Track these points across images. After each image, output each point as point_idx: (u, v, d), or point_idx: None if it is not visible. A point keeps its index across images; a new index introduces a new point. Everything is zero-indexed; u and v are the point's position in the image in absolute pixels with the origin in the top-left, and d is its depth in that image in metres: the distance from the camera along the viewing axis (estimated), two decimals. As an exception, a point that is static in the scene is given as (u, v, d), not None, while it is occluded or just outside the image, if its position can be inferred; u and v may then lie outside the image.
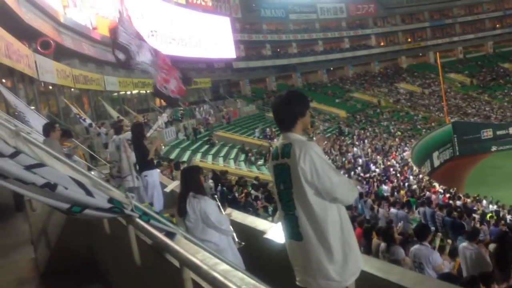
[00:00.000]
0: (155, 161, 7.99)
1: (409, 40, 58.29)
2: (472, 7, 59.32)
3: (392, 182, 21.32)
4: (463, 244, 7.04)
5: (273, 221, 7.17)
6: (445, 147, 38.93)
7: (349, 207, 9.04)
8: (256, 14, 50.36)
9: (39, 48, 17.03)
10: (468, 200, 19.48)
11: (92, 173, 4.91)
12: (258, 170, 22.28)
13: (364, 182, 19.45)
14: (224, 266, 2.72)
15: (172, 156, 18.98)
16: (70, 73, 19.20)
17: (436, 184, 24.17)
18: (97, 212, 2.80)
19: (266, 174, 19.93)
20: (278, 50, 52.05)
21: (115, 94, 26.71)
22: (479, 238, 7.81)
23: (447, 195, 19.48)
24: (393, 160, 29.10)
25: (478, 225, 12.95)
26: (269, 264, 3.91)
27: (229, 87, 45.44)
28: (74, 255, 5.47)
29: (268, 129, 31.45)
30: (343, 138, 34.28)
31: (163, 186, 7.25)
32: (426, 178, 26.25)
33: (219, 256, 3.20)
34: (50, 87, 18.24)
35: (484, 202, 20.51)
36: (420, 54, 58.04)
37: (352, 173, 22.73)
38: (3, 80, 13.20)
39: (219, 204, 4.47)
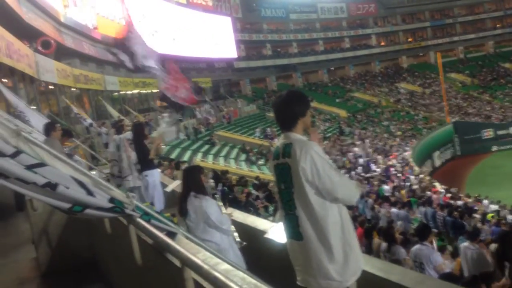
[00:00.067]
0: (155, 161, 7.99)
1: (410, 40, 58.23)
2: (473, 7, 59.26)
3: (393, 182, 21.27)
4: (464, 244, 7.04)
5: (274, 221, 7.17)
6: (446, 147, 38.87)
7: (350, 207, 9.03)
8: (257, 14, 50.36)
9: (39, 47, 17.05)
10: (469, 200, 19.45)
11: (93, 172, 4.91)
12: (259, 170, 22.28)
13: (365, 182, 19.43)
14: (225, 266, 2.72)
15: (173, 156, 18.98)
16: (70, 72, 19.22)
17: (437, 184, 24.11)
18: (98, 211, 2.80)
19: (266, 173, 19.93)
20: (279, 49, 52.01)
21: (116, 93, 26.73)
22: (480, 238, 7.80)
23: (448, 195, 19.45)
24: (393, 160, 29.06)
25: (479, 225, 12.94)
26: (270, 264, 3.91)
27: (230, 86, 45.42)
28: (75, 255, 5.47)
29: (268, 129, 31.44)
30: (343, 138, 34.26)
31: (164, 186, 7.25)
32: (427, 178, 26.19)
33: (220, 256, 3.20)
34: (51, 87, 18.24)
35: (485, 202, 20.46)
36: (421, 54, 57.99)
37: (353, 172, 22.72)
38: (4, 80, 13.21)
39: (220, 203, 4.47)
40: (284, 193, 2.72)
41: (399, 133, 38.91)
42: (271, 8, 51.29)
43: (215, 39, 39.52)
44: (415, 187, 20.38)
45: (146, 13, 29.98)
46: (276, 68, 50.03)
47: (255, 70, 47.99)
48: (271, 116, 33.93)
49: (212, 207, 4.09)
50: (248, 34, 49.03)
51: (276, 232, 3.82)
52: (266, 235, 4.01)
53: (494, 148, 39.23)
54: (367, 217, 12.54)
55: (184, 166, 10.05)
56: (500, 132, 39.95)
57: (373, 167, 26.08)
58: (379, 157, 29.06)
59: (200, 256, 2.47)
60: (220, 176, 13.82)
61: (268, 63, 49.35)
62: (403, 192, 18.30)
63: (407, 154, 31.31)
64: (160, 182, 7.32)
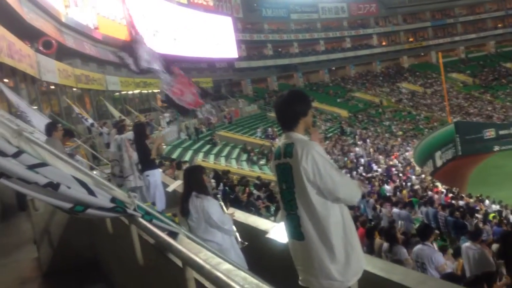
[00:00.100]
0: (157, 161, 8.00)
1: (411, 39, 58.20)
2: (474, 6, 59.22)
3: (394, 182, 21.27)
4: (466, 244, 7.04)
5: (275, 221, 7.17)
6: (448, 147, 38.86)
7: (351, 207, 9.05)
8: (258, 14, 50.35)
9: (41, 48, 17.07)
10: (471, 200, 19.45)
11: (95, 172, 4.91)
12: (260, 170, 22.28)
13: (367, 182, 19.42)
14: (226, 266, 2.71)
15: (174, 156, 18.99)
16: (72, 73, 19.24)
17: (439, 184, 24.12)
18: (100, 211, 2.80)
19: (268, 173, 19.93)
20: (280, 49, 52.02)
21: (117, 93, 26.75)
22: (482, 238, 7.79)
23: (450, 195, 19.45)
24: (395, 160, 29.05)
25: (481, 225, 12.93)
26: (272, 264, 3.91)
27: (231, 86, 45.44)
28: (77, 255, 5.47)
29: (270, 129, 31.44)
30: (345, 138, 34.25)
31: (165, 185, 7.25)
32: (429, 178, 26.20)
33: (221, 256, 3.19)
34: (52, 87, 18.27)
35: (487, 202, 20.47)
36: (422, 54, 57.96)
37: (354, 172, 22.71)
38: (5, 80, 13.22)
39: (222, 204, 4.47)
40: (285, 193, 2.71)
41: (400, 133, 38.89)
42: (272, 8, 51.29)
43: (216, 39, 39.52)
44: (416, 187, 20.38)
45: (146, 13, 29.99)
46: (277, 68, 50.04)
47: (256, 70, 48.00)
48: (272, 116, 33.92)
49: (214, 207, 4.09)
50: (249, 34, 49.03)
51: (277, 232, 3.82)
52: (268, 235, 4.01)
53: (496, 148, 39.21)
54: (368, 217, 12.53)
55: (185, 166, 10.06)
56: (501, 132, 39.94)
57: (375, 167, 26.07)
58: (381, 157, 29.05)
59: (202, 256, 2.46)
60: (220, 176, 13.83)
61: (269, 63, 49.35)
62: (404, 192, 18.29)
63: (409, 154, 31.31)
64: (161, 182, 7.32)
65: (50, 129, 7.02)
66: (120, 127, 8.55)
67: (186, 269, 2.36)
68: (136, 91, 29.10)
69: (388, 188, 19.00)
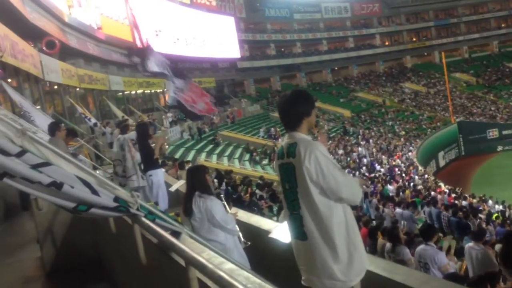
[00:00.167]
0: (159, 161, 8.02)
1: (414, 39, 58.08)
2: (477, 6, 59.08)
3: (397, 182, 21.26)
4: (469, 244, 7.02)
5: (278, 221, 7.17)
6: (451, 147, 38.78)
7: (354, 207, 9.05)
8: (261, 14, 50.34)
9: (44, 47, 17.11)
10: (474, 200, 19.41)
11: (98, 172, 4.92)
12: (263, 170, 22.28)
13: (369, 182, 19.41)
14: (229, 265, 2.71)
15: (177, 156, 19.02)
16: (75, 72, 19.27)
17: (442, 184, 24.09)
18: (103, 211, 2.81)
19: (270, 173, 19.93)
20: (283, 49, 52.02)
21: (120, 93, 26.79)
22: (485, 238, 7.77)
23: (453, 195, 19.41)
24: (398, 160, 29.02)
25: (484, 225, 12.90)
26: (274, 264, 3.91)
27: (234, 86, 45.46)
28: (80, 254, 5.48)
29: (272, 129, 31.44)
30: (347, 137, 34.21)
31: (168, 185, 7.26)
32: (432, 178, 26.16)
33: (224, 255, 3.20)
34: (55, 87, 18.30)
35: (490, 202, 20.43)
36: (425, 54, 57.85)
37: (357, 172, 22.70)
38: (9, 80, 13.25)
39: (225, 203, 4.47)
40: (288, 193, 2.71)
41: (403, 133, 38.82)
42: (275, 8, 51.27)
43: (218, 39, 39.53)
44: (419, 187, 20.36)
45: (149, 12, 30.05)
46: (280, 68, 50.02)
47: (259, 70, 47.99)
48: (275, 116, 33.93)
49: (217, 207, 4.09)
50: (252, 34, 49.03)
51: (280, 232, 3.81)
52: (271, 235, 4.01)
53: (499, 148, 39.12)
54: (371, 217, 12.52)
55: (188, 166, 10.07)
56: (505, 132, 39.83)
57: (377, 167, 26.05)
58: (384, 157, 29.02)
59: (205, 256, 2.46)
60: (222, 175, 13.83)
61: (272, 63, 49.34)
62: (407, 192, 18.28)
63: (412, 154, 31.26)
64: (164, 182, 7.34)
65: (53, 129, 7.03)
66: (123, 127, 8.57)
67: (189, 269, 2.36)
68: (139, 91, 29.14)
69: (391, 188, 18.98)
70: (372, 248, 8.01)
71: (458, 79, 52.84)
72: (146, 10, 29.64)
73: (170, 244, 2.64)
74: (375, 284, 2.92)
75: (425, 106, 47.06)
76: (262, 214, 9.44)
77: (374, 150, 30.77)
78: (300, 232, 2.67)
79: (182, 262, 2.46)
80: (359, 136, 34.98)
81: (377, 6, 56.82)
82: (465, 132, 39.11)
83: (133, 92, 28.42)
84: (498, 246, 8.02)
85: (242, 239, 4.26)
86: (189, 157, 19.77)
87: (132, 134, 7.70)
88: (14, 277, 5.45)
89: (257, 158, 24.68)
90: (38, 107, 12.77)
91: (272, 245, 3.93)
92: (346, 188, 2.60)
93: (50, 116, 12.33)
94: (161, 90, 31.35)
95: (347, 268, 2.60)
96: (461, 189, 22.87)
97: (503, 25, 58.35)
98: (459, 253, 7.81)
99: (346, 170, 20.18)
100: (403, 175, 24.11)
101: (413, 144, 34.86)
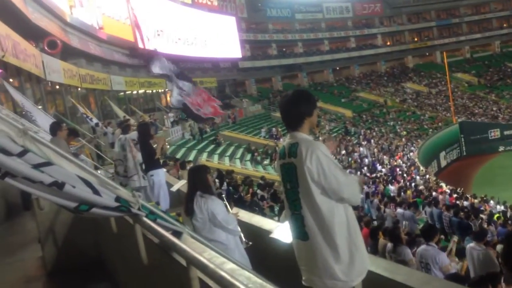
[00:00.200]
0: (161, 161, 8.02)
1: (416, 39, 58.01)
2: (479, 6, 58.98)
3: (398, 182, 21.24)
4: (470, 245, 7.01)
5: (279, 221, 7.17)
6: (452, 147, 38.72)
7: (355, 207, 9.05)
8: (262, 14, 50.32)
9: (46, 47, 17.13)
10: (476, 201, 19.38)
11: (99, 172, 4.93)
12: (264, 170, 22.28)
13: (371, 182, 19.40)
14: (230, 265, 2.72)
15: (178, 156, 19.03)
16: (76, 72, 19.29)
17: (443, 184, 24.06)
18: (104, 210, 2.81)
19: (272, 173, 19.93)
20: (284, 49, 51.98)
21: (121, 93, 26.81)
22: (486, 238, 7.76)
23: (454, 196, 19.39)
24: (399, 160, 29.00)
25: (485, 225, 12.88)
26: (275, 264, 3.91)
27: (235, 86, 45.44)
28: (82, 254, 5.48)
29: (274, 129, 31.42)
30: (349, 138, 34.18)
31: (169, 185, 7.26)
32: (433, 178, 26.13)
33: (225, 255, 3.20)
34: (57, 87, 18.32)
35: (492, 202, 20.40)
36: (427, 54, 57.77)
37: (359, 173, 22.68)
38: (11, 80, 13.27)
39: (227, 203, 4.47)
40: (290, 193, 2.71)
41: (404, 133, 38.79)
42: (276, 8, 51.24)
43: (220, 39, 39.52)
44: (421, 187, 20.33)
45: (151, 12, 30.07)
46: (281, 68, 50.00)
47: (260, 70, 47.97)
48: (277, 116, 33.94)
49: (218, 207, 4.09)
50: (254, 34, 49.00)
51: (281, 232, 3.81)
52: (272, 235, 4.01)
53: (501, 148, 39.05)
54: (372, 217, 12.51)
55: (189, 166, 10.07)
56: (506, 132, 39.75)
57: (379, 167, 26.02)
58: (385, 157, 28.99)
59: (206, 255, 2.47)
60: (223, 175, 13.84)
61: (274, 63, 49.31)
62: (409, 192, 18.26)
63: (413, 154, 31.23)
64: (166, 182, 7.34)
65: (55, 129, 7.04)
66: (124, 127, 8.58)
67: (190, 269, 2.36)
68: (141, 91, 29.16)
69: (392, 188, 18.97)
70: (373, 248, 8.00)
71: (459, 79, 52.77)
72: (147, 10, 29.67)
73: (171, 244, 2.64)
74: (376, 284, 2.91)
75: (426, 106, 47.00)
76: (263, 214, 9.44)
77: (375, 150, 30.74)
78: (301, 232, 2.67)
79: (183, 262, 2.46)
80: (361, 136, 34.94)
81: (378, 6, 56.76)
82: (467, 132, 39.04)
83: (134, 92, 28.43)
84: (499, 247, 8.01)
85: (244, 239, 4.26)
86: (191, 157, 19.78)
87: (134, 134, 7.70)
88: (15, 277, 5.45)
89: (259, 158, 24.67)
90: (40, 107, 12.76)
91: (273, 245, 3.93)
92: (347, 188, 2.60)
93: (52, 116, 12.34)
94: (163, 90, 31.38)
95: (349, 268, 2.61)
96: (462, 189, 22.84)
97: (505, 25, 58.23)
98: (461, 254, 7.79)
99: (348, 170, 20.17)
100: (405, 175, 24.09)
101: (414, 144, 34.83)
